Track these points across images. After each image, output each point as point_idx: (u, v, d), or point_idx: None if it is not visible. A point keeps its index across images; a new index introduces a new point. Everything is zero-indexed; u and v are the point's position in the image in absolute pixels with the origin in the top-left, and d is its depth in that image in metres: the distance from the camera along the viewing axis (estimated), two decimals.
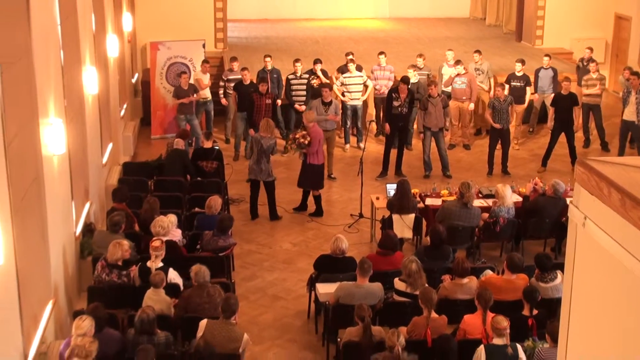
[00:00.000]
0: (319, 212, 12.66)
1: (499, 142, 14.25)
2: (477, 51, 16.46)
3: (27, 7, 7.52)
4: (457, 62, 15.50)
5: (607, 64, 20.06)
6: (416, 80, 15.15)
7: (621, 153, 14.71)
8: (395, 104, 13.93)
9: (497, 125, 14.03)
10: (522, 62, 15.73)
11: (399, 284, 8.58)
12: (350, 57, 15.76)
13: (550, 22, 20.45)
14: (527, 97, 15.71)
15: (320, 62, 15.83)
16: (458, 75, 15.44)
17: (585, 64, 16.40)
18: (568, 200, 10.39)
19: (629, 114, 14.46)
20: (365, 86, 15.54)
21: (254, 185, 12.42)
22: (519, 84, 15.48)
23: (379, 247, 9.51)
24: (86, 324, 6.96)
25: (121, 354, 7.35)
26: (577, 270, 2.74)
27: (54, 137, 8.46)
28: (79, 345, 6.73)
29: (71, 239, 9.49)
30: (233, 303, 7.67)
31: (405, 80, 14.16)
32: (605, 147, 15.71)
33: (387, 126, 14.13)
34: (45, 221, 7.96)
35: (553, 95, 15.15)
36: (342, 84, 15.39)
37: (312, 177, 12.43)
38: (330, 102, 14.06)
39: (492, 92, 14.90)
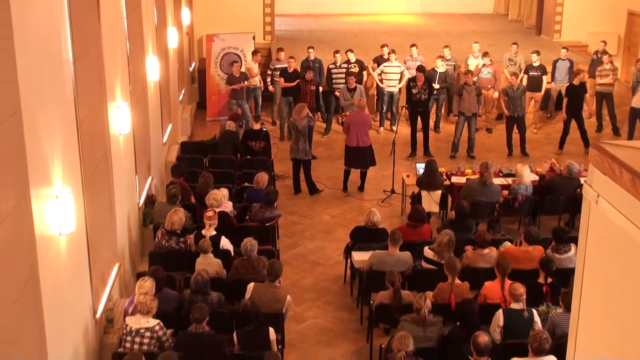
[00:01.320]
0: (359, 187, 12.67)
1: (515, 126, 14.15)
2: (515, 43, 16.33)
3: (97, 3, 7.57)
4: (485, 54, 15.39)
5: (619, 56, 19.73)
6: (444, 70, 15.06)
7: (630, 137, 14.49)
8: (414, 91, 13.93)
9: (507, 112, 13.96)
10: (538, 53, 15.56)
11: (428, 252, 8.58)
12: (387, 49, 15.66)
13: (567, 17, 20.15)
14: (544, 85, 15.53)
15: (352, 51, 15.77)
16: (484, 65, 15.33)
17: (599, 55, 16.13)
18: (582, 179, 10.26)
19: (638, 102, 14.27)
20: (403, 75, 15.43)
21: (296, 163, 12.45)
22: (536, 73, 15.32)
23: (408, 220, 9.49)
24: (148, 284, 7.04)
25: (178, 310, 7.43)
26: (589, 244, 2.70)
27: (120, 119, 8.54)
28: (142, 302, 6.82)
29: (135, 209, 9.59)
30: (277, 268, 7.71)
31: (421, 69, 14.16)
32: (617, 131, 15.47)
33: (407, 111, 14.07)
34: (112, 193, 8.05)
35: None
36: (382, 72, 15.33)
37: (345, 155, 12.47)
38: (355, 88, 14.10)
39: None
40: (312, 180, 12.55)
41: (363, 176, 12.68)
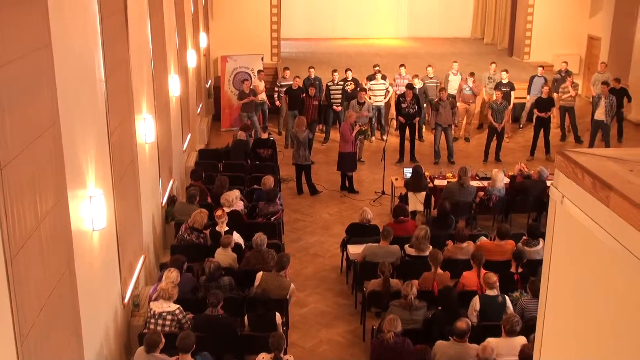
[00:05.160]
0: (350, 189, 12.65)
1: (495, 136, 14.16)
2: (493, 62, 16.34)
3: (125, 28, 7.57)
4: (471, 74, 15.42)
5: (580, 75, 19.75)
6: (421, 86, 15.12)
7: (591, 145, 14.49)
8: (403, 105, 13.98)
9: (497, 125, 13.94)
10: (507, 71, 15.62)
11: (408, 250, 8.55)
12: (377, 68, 15.68)
13: (536, 40, 20.18)
14: (512, 100, 15.53)
15: (350, 70, 15.76)
16: (467, 83, 15.35)
17: (562, 74, 16.13)
18: (548, 182, 10.27)
19: (599, 115, 14.26)
20: (387, 91, 15.45)
21: (298, 168, 12.47)
22: (505, 89, 15.28)
23: (393, 216, 9.50)
24: (174, 275, 7.04)
25: (194, 294, 7.42)
26: (555, 238, 2.70)
27: (146, 129, 8.53)
28: (163, 289, 6.82)
29: (158, 208, 9.58)
30: (285, 260, 7.71)
31: (409, 86, 14.26)
32: (578, 140, 15.45)
33: (401, 118, 14.07)
34: (138, 194, 8.04)
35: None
36: (369, 89, 15.32)
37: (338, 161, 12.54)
38: (364, 102, 14.10)
39: (494, 96, 14.68)
40: (312, 183, 12.55)
41: (348, 179, 12.66)
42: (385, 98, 15.44)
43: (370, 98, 15.29)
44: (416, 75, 15.39)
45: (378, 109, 15.43)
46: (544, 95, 14.30)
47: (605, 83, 14.49)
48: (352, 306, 8.80)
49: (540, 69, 16.00)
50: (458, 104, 14.91)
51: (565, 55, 18.70)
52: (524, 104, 16.39)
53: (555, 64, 19.28)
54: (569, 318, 2.59)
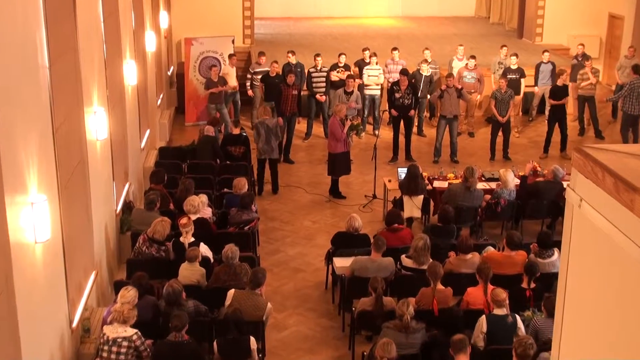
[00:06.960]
0: (335, 193, 12.68)
1: (500, 130, 14.21)
2: (504, 46, 16.40)
3: (73, 6, 7.53)
4: (472, 57, 15.44)
5: (601, 59, 19.90)
6: (429, 74, 15.08)
7: (627, 141, 14.49)
8: (397, 95, 13.90)
9: (500, 119, 13.98)
10: (516, 55, 15.67)
11: (406, 260, 8.58)
12: (373, 51, 15.68)
13: (549, 20, 20.34)
14: (522, 88, 15.61)
15: (345, 54, 15.73)
16: (467, 69, 15.38)
17: (579, 59, 16.23)
18: (565, 183, 10.34)
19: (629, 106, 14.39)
20: (380, 78, 15.49)
21: (262, 163, 12.65)
22: (514, 76, 15.35)
23: (386, 224, 9.52)
24: (131, 294, 6.97)
25: (156, 319, 7.38)
26: (573, 248, 2.72)
27: (97, 124, 8.50)
28: (118, 311, 6.77)
29: (112, 216, 9.53)
30: (260, 277, 7.68)
31: (404, 72, 14.13)
32: (599, 134, 15.57)
33: (393, 111, 14.03)
34: (89, 199, 8.00)
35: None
36: (369, 76, 15.29)
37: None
38: (352, 91, 14.07)
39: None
40: (278, 180, 12.72)
41: (333, 181, 12.69)
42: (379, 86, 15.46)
43: (365, 86, 15.28)
44: (425, 60, 15.37)
45: (372, 98, 15.42)
46: (559, 83, 14.35)
47: (636, 68, 14.49)
48: (339, 329, 8.80)
49: (546, 54, 16.06)
50: None
51: (583, 37, 18.84)
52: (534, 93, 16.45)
53: (571, 46, 19.43)
54: (590, 339, 2.60)
